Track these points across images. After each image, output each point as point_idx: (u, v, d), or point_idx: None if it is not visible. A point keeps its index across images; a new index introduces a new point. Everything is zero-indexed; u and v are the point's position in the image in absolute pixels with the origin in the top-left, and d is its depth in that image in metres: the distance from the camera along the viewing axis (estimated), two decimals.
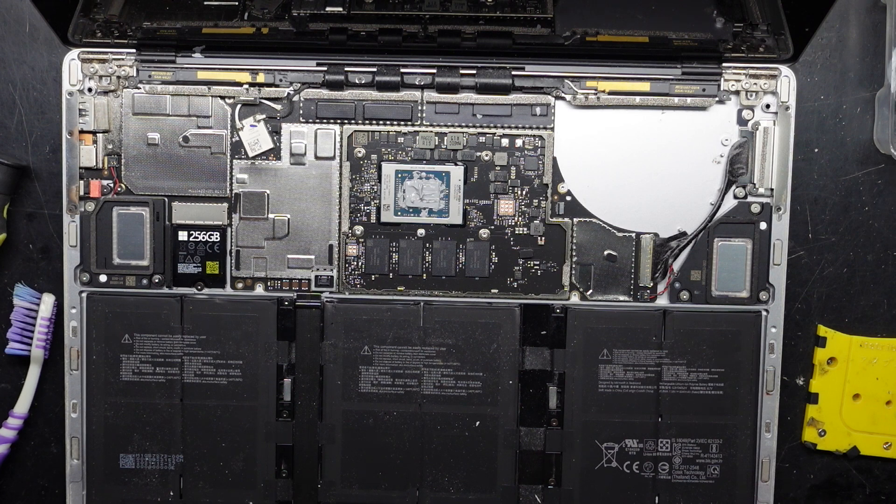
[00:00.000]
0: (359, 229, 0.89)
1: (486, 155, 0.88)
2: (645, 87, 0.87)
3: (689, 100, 0.87)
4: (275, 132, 0.88)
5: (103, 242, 0.88)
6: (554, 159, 0.88)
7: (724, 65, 0.86)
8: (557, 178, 0.88)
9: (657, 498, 0.89)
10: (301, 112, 0.88)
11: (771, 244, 0.88)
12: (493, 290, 0.89)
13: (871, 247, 0.91)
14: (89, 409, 0.89)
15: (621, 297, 0.89)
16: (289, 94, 0.88)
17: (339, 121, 0.88)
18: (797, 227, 0.91)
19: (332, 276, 0.89)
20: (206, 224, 0.89)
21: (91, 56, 0.87)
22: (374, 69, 0.87)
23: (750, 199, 0.88)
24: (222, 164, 0.88)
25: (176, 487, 0.90)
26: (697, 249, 0.88)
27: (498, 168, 0.88)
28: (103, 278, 0.89)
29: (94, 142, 0.88)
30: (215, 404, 0.89)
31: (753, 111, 0.87)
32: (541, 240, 0.89)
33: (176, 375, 0.89)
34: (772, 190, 0.88)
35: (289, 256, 0.89)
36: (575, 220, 0.89)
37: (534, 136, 0.88)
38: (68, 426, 0.89)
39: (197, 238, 0.89)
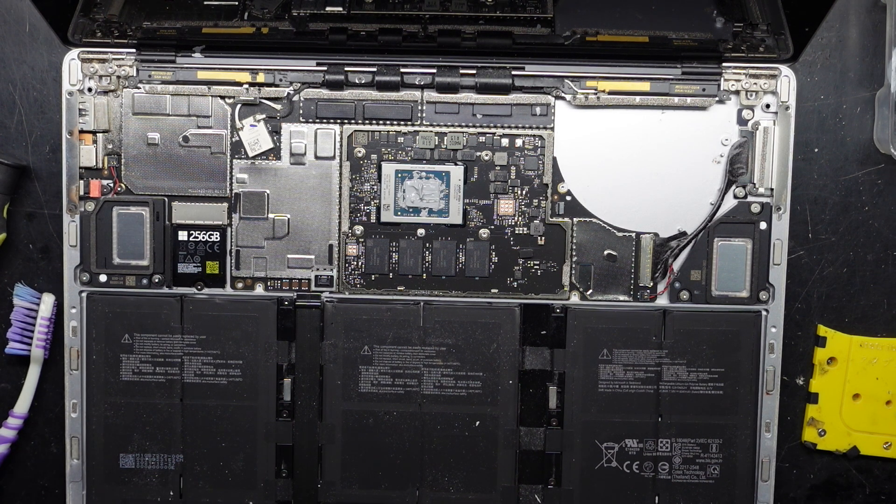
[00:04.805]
0: (359, 229, 0.89)
1: (486, 155, 0.88)
2: (645, 86, 0.87)
3: (689, 100, 0.87)
4: (275, 132, 0.88)
5: (103, 242, 0.88)
6: (554, 159, 0.88)
7: (724, 65, 0.87)
8: (557, 177, 0.88)
9: (657, 498, 0.89)
10: (301, 112, 0.88)
11: (771, 244, 0.88)
12: (493, 290, 0.89)
13: (871, 247, 0.91)
14: (89, 409, 0.89)
15: (621, 297, 0.89)
16: (289, 93, 0.88)
17: (339, 121, 0.88)
18: (797, 227, 0.91)
19: (332, 276, 0.89)
20: (206, 224, 0.89)
21: (91, 56, 0.87)
22: (374, 69, 0.87)
23: (750, 198, 0.88)
24: (222, 163, 0.88)
25: (176, 487, 0.90)
26: (697, 249, 0.88)
27: (498, 168, 0.88)
28: (103, 278, 0.89)
29: (94, 142, 0.88)
30: (215, 404, 0.89)
31: (753, 111, 0.87)
32: (541, 240, 0.89)
33: (176, 375, 0.89)
34: (772, 190, 0.88)
35: (289, 256, 0.89)
36: (575, 219, 0.89)
37: (534, 135, 0.88)
38: (68, 426, 0.89)
39: (197, 238, 0.89)
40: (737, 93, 0.87)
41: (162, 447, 0.89)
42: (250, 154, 0.88)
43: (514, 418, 0.89)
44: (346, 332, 0.88)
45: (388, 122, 0.88)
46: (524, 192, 0.89)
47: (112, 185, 0.88)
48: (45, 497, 0.94)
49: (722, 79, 0.87)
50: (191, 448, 0.89)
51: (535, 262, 0.89)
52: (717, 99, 0.87)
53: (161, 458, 0.89)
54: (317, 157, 0.88)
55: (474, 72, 0.87)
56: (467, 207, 0.89)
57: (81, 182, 0.88)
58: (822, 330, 0.91)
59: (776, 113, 0.87)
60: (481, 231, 0.89)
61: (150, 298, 0.89)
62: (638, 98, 0.87)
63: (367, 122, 0.88)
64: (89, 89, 0.88)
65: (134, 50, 0.87)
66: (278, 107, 0.88)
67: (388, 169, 0.88)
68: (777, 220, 0.88)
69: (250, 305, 0.89)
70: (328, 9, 0.86)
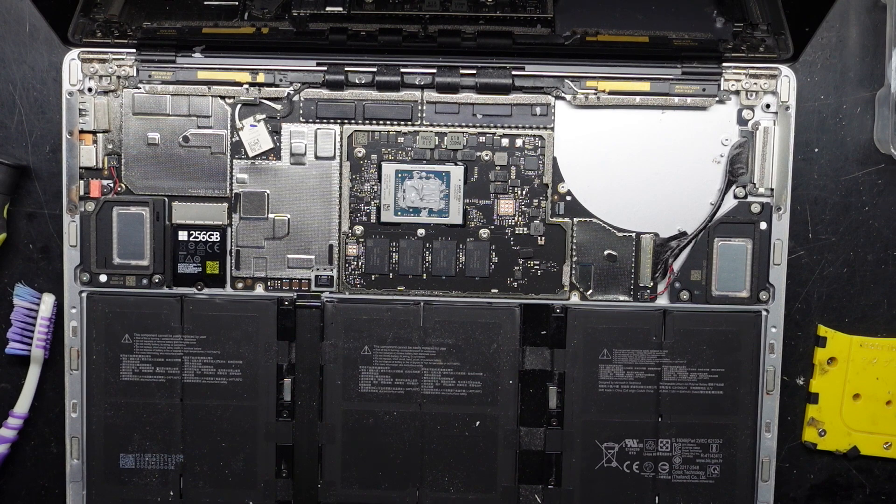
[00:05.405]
0: (359, 229, 0.89)
1: (486, 155, 0.88)
2: (645, 86, 0.87)
3: (689, 100, 0.87)
4: (275, 132, 0.88)
5: (103, 242, 0.88)
6: (554, 159, 0.88)
7: (724, 65, 0.87)
8: (557, 178, 0.88)
9: (657, 498, 0.89)
10: (301, 112, 0.88)
11: (771, 244, 0.88)
12: (493, 290, 0.89)
13: (871, 247, 0.91)
14: (89, 409, 0.89)
15: (621, 297, 0.89)
16: (289, 93, 0.88)
17: (339, 121, 0.88)
18: (797, 227, 0.91)
19: (332, 276, 0.89)
20: (206, 224, 0.89)
21: (91, 56, 0.87)
22: (374, 69, 0.87)
23: (750, 198, 0.88)
24: (222, 164, 0.88)
25: (176, 487, 0.90)
26: (697, 249, 0.88)
27: (498, 168, 0.88)
28: (103, 278, 0.89)
29: (94, 142, 0.88)
30: (215, 404, 0.89)
31: (753, 111, 0.87)
32: (541, 240, 0.89)
33: (176, 375, 0.89)
34: (772, 190, 0.88)
35: (289, 256, 0.89)
36: (575, 220, 0.89)
37: (534, 135, 0.88)
38: (68, 426, 0.89)
39: (197, 238, 0.89)
40: (737, 93, 0.87)
41: (162, 447, 0.89)
42: (250, 154, 0.88)
43: (514, 418, 0.89)
44: (346, 332, 0.88)
45: (388, 122, 0.88)
46: (524, 192, 0.89)
47: (112, 185, 0.88)
48: (45, 497, 0.94)
49: (722, 79, 0.87)
50: (191, 448, 0.89)
51: (535, 262, 0.89)
52: (717, 99, 0.87)
53: (161, 458, 0.89)
54: (317, 157, 0.88)
55: (474, 72, 0.87)
56: (467, 207, 0.89)
57: (81, 182, 0.88)
58: (822, 330, 0.91)
59: (776, 113, 0.87)
60: (481, 231, 0.89)
61: (150, 298, 0.89)
62: (638, 98, 0.87)
63: (367, 122, 0.88)
64: (89, 89, 0.88)
65: (134, 50, 0.87)
66: (278, 107, 0.88)
67: (389, 169, 0.88)
68: (777, 220, 0.88)
69: (250, 305, 0.89)
70: (328, 9, 0.86)
